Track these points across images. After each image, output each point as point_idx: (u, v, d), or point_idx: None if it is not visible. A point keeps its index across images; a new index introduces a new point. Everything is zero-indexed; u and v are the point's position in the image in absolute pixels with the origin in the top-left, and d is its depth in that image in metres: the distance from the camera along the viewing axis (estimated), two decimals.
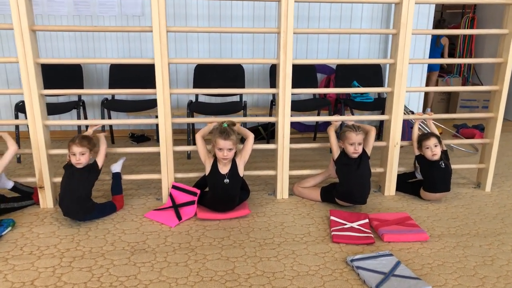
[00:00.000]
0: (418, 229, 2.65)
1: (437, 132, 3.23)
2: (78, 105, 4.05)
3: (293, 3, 2.80)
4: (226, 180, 2.72)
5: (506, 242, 2.57)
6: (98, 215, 2.77)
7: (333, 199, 3.00)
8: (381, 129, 4.40)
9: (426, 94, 5.86)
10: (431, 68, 5.83)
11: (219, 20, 4.52)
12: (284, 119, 3.02)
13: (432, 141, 3.03)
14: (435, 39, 5.75)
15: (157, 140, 2.97)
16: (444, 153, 3.13)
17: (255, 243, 2.51)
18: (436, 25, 5.97)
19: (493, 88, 3.23)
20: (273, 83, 4.17)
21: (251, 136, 2.87)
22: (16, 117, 3.81)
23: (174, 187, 2.99)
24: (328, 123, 3.23)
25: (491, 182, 3.39)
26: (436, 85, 6.34)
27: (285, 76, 2.94)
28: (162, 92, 2.86)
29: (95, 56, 4.49)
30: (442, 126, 4.79)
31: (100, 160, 2.77)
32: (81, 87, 4.24)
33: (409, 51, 3.02)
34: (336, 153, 2.98)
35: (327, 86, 4.77)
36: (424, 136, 3.11)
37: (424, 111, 5.64)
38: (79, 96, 4.18)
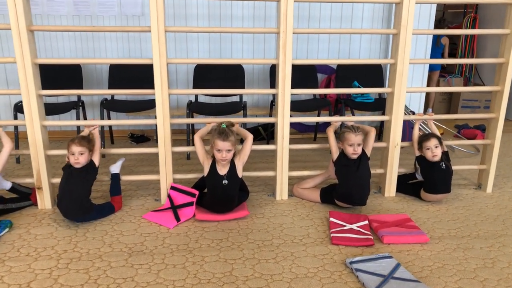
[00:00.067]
0: (418, 231, 2.63)
1: (438, 132, 3.21)
2: (78, 105, 4.04)
3: (293, 3, 2.78)
4: (225, 181, 2.70)
5: (507, 244, 2.54)
6: (97, 216, 2.76)
7: (333, 200, 2.98)
8: (381, 130, 4.37)
9: (427, 94, 5.83)
10: (432, 68, 5.81)
11: (219, 20, 4.50)
12: (284, 119, 3.00)
13: (433, 142, 3.01)
14: (435, 39, 5.72)
15: (157, 140, 2.95)
16: (445, 154, 3.11)
17: (254, 245, 2.49)
18: (436, 25, 5.93)
19: (495, 88, 3.21)
20: (273, 83, 4.15)
21: (250, 137, 2.85)
22: (15, 117, 3.80)
23: (172, 188, 2.97)
24: (328, 124, 3.20)
25: (492, 183, 3.37)
26: (438, 85, 6.31)
27: (285, 76, 2.92)
28: (160, 93, 2.84)
29: (95, 56, 4.48)
30: (443, 126, 4.77)
31: (96, 159, 2.76)
32: (81, 87, 4.23)
33: (410, 51, 2.99)
34: (335, 154, 2.96)
35: (327, 86, 4.75)
36: (425, 137, 3.08)
37: (425, 111, 5.62)
38: (79, 96, 4.17)
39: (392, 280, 2.12)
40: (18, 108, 3.76)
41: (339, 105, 4.44)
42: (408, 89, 3.12)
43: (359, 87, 4.22)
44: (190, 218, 2.79)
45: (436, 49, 5.73)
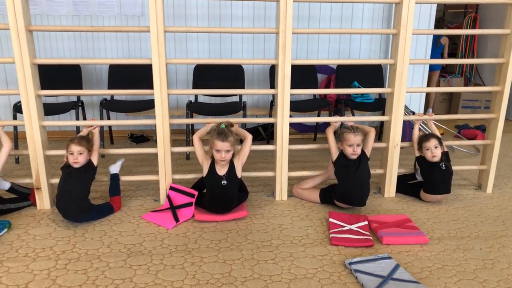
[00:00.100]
0: (417, 231, 2.62)
1: (438, 133, 3.20)
2: (77, 106, 4.03)
3: (292, 3, 2.77)
4: (224, 182, 2.69)
5: (507, 245, 2.54)
6: (96, 216, 2.75)
7: (332, 200, 2.98)
8: (381, 130, 4.36)
9: (428, 94, 5.82)
10: (431, 68, 5.80)
11: (219, 20, 4.50)
12: (283, 120, 2.99)
13: (432, 143, 3.00)
14: (435, 39, 5.71)
15: (156, 140, 2.94)
16: (445, 155, 3.10)
17: (253, 246, 2.48)
18: (436, 25, 5.93)
19: (495, 88, 3.20)
20: (273, 83, 4.13)
21: (249, 137, 2.84)
22: (15, 117, 3.79)
23: (171, 188, 2.97)
24: (328, 124, 3.20)
25: (493, 183, 3.36)
26: (438, 85, 6.30)
27: (284, 76, 2.91)
28: (159, 93, 2.84)
29: (95, 56, 4.48)
30: (444, 126, 4.76)
31: (94, 159, 2.75)
32: (80, 87, 4.22)
33: (409, 52, 2.98)
34: (334, 154, 2.95)
35: (327, 86, 4.74)
36: (424, 137, 3.07)
37: (425, 111, 5.61)
38: (78, 96, 4.17)
39: (391, 281, 2.11)
40: (18, 108, 3.76)
41: (339, 105, 4.43)
42: (408, 89, 3.11)
43: (359, 87, 4.21)
44: (189, 219, 2.78)
45: (436, 49, 5.72)
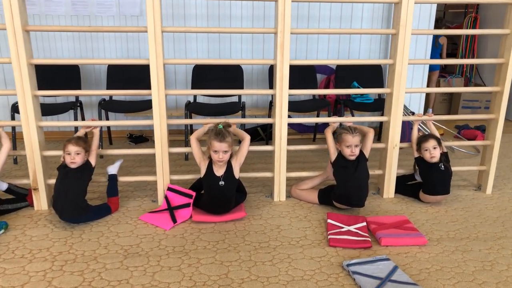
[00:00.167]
0: (416, 232, 2.60)
1: (437, 133, 3.18)
2: (75, 106, 4.02)
3: (290, 2, 2.76)
4: (222, 182, 2.68)
5: (506, 247, 2.52)
6: (93, 217, 2.74)
7: (331, 201, 2.96)
8: (381, 131, 4.35)
9: (428, 94, 5.80)
10: (431, 68, 5.77)
11: (218, 20, 4.48)
12: (281, 120, 2.98)
13: (431, 143, 2.99)
14: (434, 39, 5.69)
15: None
16: (444, 155, 3.08)
17: (250, 247, 2.47)
18: (434, 25, 5.91)
19: (494, 89, 3.18)
20: (272, 83, 4.12)
21: (247, 138, 2.83)
22: (13, 117, 3.78)
23: (169, 189, 2.95)
24: (327, 124, 3.18)
25: (492, 184, 3.34)
26: (437, 85, 6.29)
27: (282, 77, 2.90)
28: (157, 93, 2.83)
29: (93, 56, 4.46)
30: (444, 127, 4.74)
31: (92, 159, 2.74)
32: (79, 88, 4.21)
33: (409, 52, 2.97)
34: (333, 155, 2.94)
35: (327, 86, 4.72)
36: (423, 138, 3.06)
37: (425, 111, 5.59)
38: (77, 96, 4.16)
39: (389, 283, 2.10)
40: (16, 109, 3.72)
41: (339, 106, 4.41)
42: (407, 89, 3.10)
43: (358, 87, 4.20)
44: (187, 220, 2.77)
45: (435, 49, 5.69)
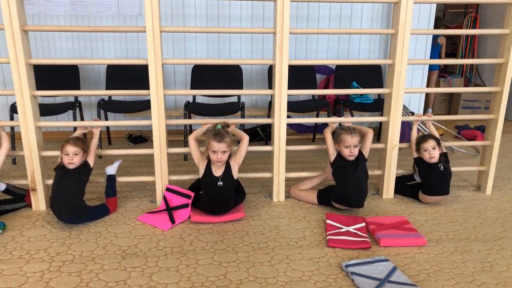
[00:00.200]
0: (415, 233, 2.59)
1: (436, 134, 3.17)
2: (74, 106, 4.02)
3: (289, 2, 2.75)
4: (220, 183, 2.67)
5: (506, 247, 2.51)
6: (91, 217, 2.73)
7: (330, 202, 2.95)
8: (380, 131, 4.34)
9: (427, 94, 5.79)
10: (430, 67, 5.76)
11: (217, 19, 4.48)
12: (280, 120, 2.97)
13: (430, 144, 2.98)
14: (432, 39, 5.68)
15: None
16: (444, 156, 3.07)
17: (249, 247, 2.46)
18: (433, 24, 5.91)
19: (494, 89, 3.17)
20: (271, 83, 4.11)
21: (245, 138, 2.82)
22: (12, 118, 3.78)
23: (168, 189, 2.95)
24: (326, 124, 3.18)
25: (492, 184, 3.33)
26: (437, 84, 6.28)
27: (281, 77, 2.89)
28: (156, 93, 2.82)
29: (93, 56, 4.46)
30: (443, 127, 4.73)
31: (91, 159, 2.73)
32: (78, 88, 4.21)
33: (408, 52, 2.96)
34: (332, 155, 2.93)
35: (326, 86, 4.71)
36: (422, 138, 3.05)
37: (425, 111, 5.58)
38: (76, 97, 4.16)
39: (388, 283, 2.09)
40: (15, 109, 3.73)
41: (338, 106, 4.41)
42: (406, 89, 3.09)
43: (358, 87, 4.19)
44: (185, 220, 2.76)
45: (434, 49, 5.68)
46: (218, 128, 2.68)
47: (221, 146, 2.61)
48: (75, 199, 2.63)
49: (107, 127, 4.42)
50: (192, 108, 4.09)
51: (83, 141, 2.72)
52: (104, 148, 4.22)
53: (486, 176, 3.32)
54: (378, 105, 4.33)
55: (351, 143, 2.81)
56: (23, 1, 2.64)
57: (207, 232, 2.63)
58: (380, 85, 4.47)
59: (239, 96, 4.31)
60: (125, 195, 3.16)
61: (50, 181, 2.86)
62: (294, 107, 4.15)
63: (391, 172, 3.17)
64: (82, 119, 4.23)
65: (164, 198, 2.91)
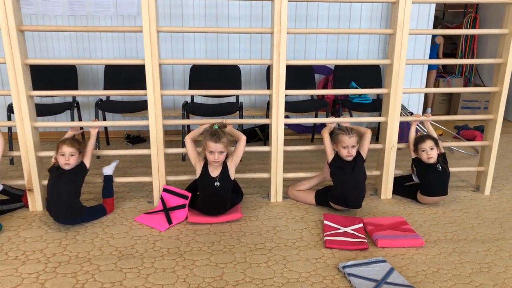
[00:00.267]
0: (413, 234, 2.58)
1: (435, 134, 3.16)
2: (72, 106, 4.01)
3: (286, 2, 2.74)
4: (217, 183, 2.66)
5: (504, 248, 2.50)
6: (88, 218, 2.72)
7: (328, 202, 2.94)
8: (379, 131, 4.33)
9: (426, 94, 5.77)
10: (428, 67, 5.74)
11: (216, 19, 4.46)
12: (278, 121, 2.96)
13: (428, 144, 2.96)
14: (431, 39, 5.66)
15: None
16: (442, 156, 3.06)
17: (246, 248, 2.45)
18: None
19: (493, 89, 3.15)
20: (269, 84, 4.11)
21: (243, 139, 2.81)
22: (9, 118, 3.77)
23: (165, 190, 2.94)
24: (325, 125, 3.16)
25: (491, 185, 3.31)
26: (436, 84, 6.26)
27: (279, 77, 2.88)
28: (153, 94, 2.81)
29: (91, 56, 4.45)
30: (443, 127, 4.72)
31: (87, 160, 2.72)
32: (76, 88, 4.20)
33: (406, 52, 2.94)
34: (330, 156, 2.92)
35: (325, 87, 4.70)
36: (420, 139, 3.04)
37: (424, 111, 5.57)
38: (74, 97, 4.15)
39: (385, 285, 2.07)
40: (12, 109, 3.72)
41: (337, 106, 4.39)
42: (405, 90, 3.08)
43: (356, 87, 4.17)
44: (182, 221, 2.75)
45: (432, 49, 5.66)
46: (215, 129, 2.67)
47: (218, 147, 2.60)
48: (72, 200, 2.62)
49: (105, 128, 4.40)
50: (190, 108, 4.08)
51: (79, 142, 2.71)
52: (102, 148, 4.21)
53: (485, 177, 3.30)
54: (377, 105, 4.31)
55: (349, 144, 2.80)
56: (19, 1, 2.64)
57: (204, 233, 2.62)
58: (379, 85, 4.45)
59: (237, 96, 4.30)
60: (122, 196, 3.15)
61: (46, 182, 2.85)
62: (293, 107, 4.15)
63: (389, 172, 3.16)
64: (80, 119, 4.23)
65: (161, 198, 2.90)
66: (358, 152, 2.90)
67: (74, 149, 2.62)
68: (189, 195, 2.80)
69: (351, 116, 4.46)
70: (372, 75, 4.50)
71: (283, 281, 2.14)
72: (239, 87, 4.21)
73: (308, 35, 4.64)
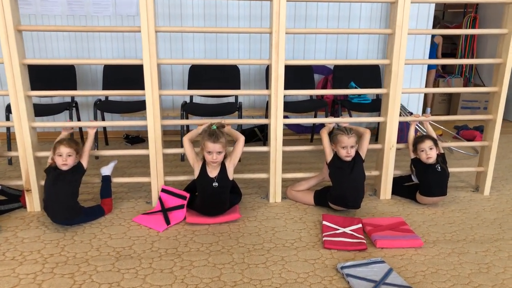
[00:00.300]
0: (412, 234, 2.57)
1: (434, 134, 3.15)
2: (71, 106, 4.00)
3: (285, 2, 2.73)
4: (215, 184, 2.65)
5: (503, 249, 2.49)
6: (86, 219, 2.71)
7: (327, 203, 2.93)
8: (378, 131, 4.32)
9: (425, 94, 5.76)
10: (427, 67, 5.74)
11: (215, 19, 4.46)
12: (277, 121, 2.95)
13: (427, 144, 2.96)
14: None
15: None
16: (441, 156, 3.05)
17: (244, 249, 2.44)
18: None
19: (492, 89, 3.14)
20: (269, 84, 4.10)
21: (241, 139, 2.80)
22: (7, 118, 3.76)
23: (163, 190, 2.93)
24: (323, 125, 3.15)
25: (490, 185, 3.30)
26: (436, 84, 6.25)
27: (277, 77, 2.87)
28: (151, 94, 2.80)
29: (90, 56, 4.44)
30: (442, 127, 4.71)
31: (84, 161, 2.71)
32: (74, 88, 4.19)
33: (405, 52, 2.94)
34: (329, 156, 2.91)
35: (324, 87, 4.69)
36: (419, 139, 3.03)
37: (424, 111, 5.56)
38: (72, 97, 4.14)
39: (383, 286, 2.07)
40: (10, 109, 3.72)
41: (336, 106, 4.38)
42: (404, 90, 3.07)
43: (356, 87, 4.16)
44: (180, 221, 2.74)
45: (431, 48, 5.65)
46: (213, 129, 2.66)
47: (216, 147, 2.59)
48: (70, 201, 2.61)
49: (104, 128, 4.40)
50: (189, 109, 4.07)
51: (76, 142, 2.70)
52: (100, 148, 4.20)
53: (484, 177, 3.29)
54: (376, 106, 4.30)
55: (348, 144, 2.79)
56: (18, 1, 2.63)
57: (202, 234, 2.61)
58: (379, 85, 4.44)
59: (236, 97, 4.29)
60: (121, 196, 3.14)
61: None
62: (292, 107, 4.13)
63: (388, 173, 3.15)
64: (78, 119, 4.22)
65: (160, 199, 2.89)
66: (357, 153, 2.89)
67: (72, 149, 2.61)
68: (188, 195, 2.79)
69: (350, 116, 4.46)
70: (371, 75, 4.49)
71: (281, 282, 2.13)
72: (238, 87, 4.20)
73: (307, 35, 4.63)
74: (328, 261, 2.32)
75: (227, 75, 4.21)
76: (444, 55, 6.81)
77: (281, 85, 2.89)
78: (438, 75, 6.45)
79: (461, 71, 6.81)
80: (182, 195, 2.83)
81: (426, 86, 5.54)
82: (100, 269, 2.21)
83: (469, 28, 6.64)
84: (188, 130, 4.22)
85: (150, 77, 2.76)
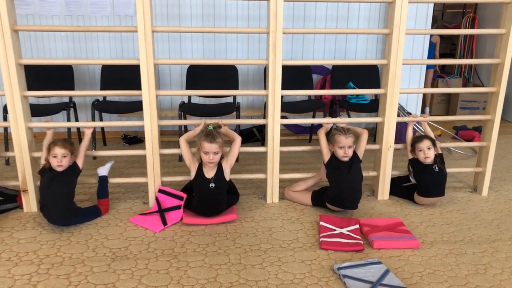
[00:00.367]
0: (409, 235, 2.56)
1: (432, 134, 3.14)
2: (68, 106, 3.99)
3: (282, 2, 2.72)
4: (212, 185, 2.64)
5: (501, 250, 2.48)
6: (82, 219, 2.71)
7: (324, 203, 2.93)
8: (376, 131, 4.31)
9: (424, 93, 5.75)
10: (425, 67, 5.73)
11: (213, 20, 4.45)
12: (274, 121, 2.94)
13: (425, 144, 2.95)
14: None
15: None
16: (439, 157, 3.04)
17: (241, 250, 2.43)
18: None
19: (490, 89, 3.14)
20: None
21: (238, 139, 2.79)
22: (5, 118, 3.75)
23: (160, 191, 2.92)
24: (321, 125, 3.15)
25: (488, 186, 3.29)
26: (435, 84, 6.24)
27: (275, 77, 2.86)
28: (147, 94, 2.79)
29: (88, 56, 4.43)
30: (441, 128, 4.70)
31: (80, 161, 2.70)
32: (72, 88, 4.18)
33: (403, 52, 2.93)
34: (326, 156, 2.90)
35: (323, 87, 4.69)
36: (418, 139, 3.02)
37: (422, 111, 5.55)
38: (70, 97, 4.13)
39: (380, 287, 2.06)
40: (7, 109, 3.71)
41: (334, 106, 4.37)
42: (401, 90, 3.06)
43: (354, 88, 4.15)
44: (177, 222, 2.73)
45: (428, 48, 5.64)
46: (209, 129, 2.65)
47: (213, 147, 2.58)
48: (66, 202, 2.60)
49: (102, 128, 4.39)
50: (187, 109, 4.06)
51: (71, 143, 2.69)
52: (98, 148, 4.19)
53: (482, 178, 3.28)
54: (374, 106, 4.28)
55: (345, 144, 2.79)
56: (14, 1, 2.62)
57: (199, 234, 2.60)
58: (377, 86, 4.39)
59: (234, 97, 4.28)
60: (118, 196, 3.13)
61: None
62: (290, 107, 4.13)
63: (386, 173, 3.14)
64: (76, 119, 4.21)
65: (157, 199, 2.88)
66: (354, 153, 2.88)
67: (67, 150, 2.60)
68: (185, 196, 2.78)
69: (348, 116, 4.44)
70: (370, 75, 4.48)
71: (278, 282, 2.12)
72: (236, 87, 4.19)
73: (306, 35, 4.62)
74: (325, 262, 2.31)
75: (225, 75, 4.20)
76: (443, 55, 6.80)
77: (278, 85, 2.88)
78: (437, 75, 6.44)
79: (460, 71, 6.80)
80: (179, 195, 2.82)
81: (424, 86, 5.54)
82: (96, 269, 2.20)
83: (468, 28, 6.62)
84: (186, 131, 4.21)
85: (146, 77, 2.76)
